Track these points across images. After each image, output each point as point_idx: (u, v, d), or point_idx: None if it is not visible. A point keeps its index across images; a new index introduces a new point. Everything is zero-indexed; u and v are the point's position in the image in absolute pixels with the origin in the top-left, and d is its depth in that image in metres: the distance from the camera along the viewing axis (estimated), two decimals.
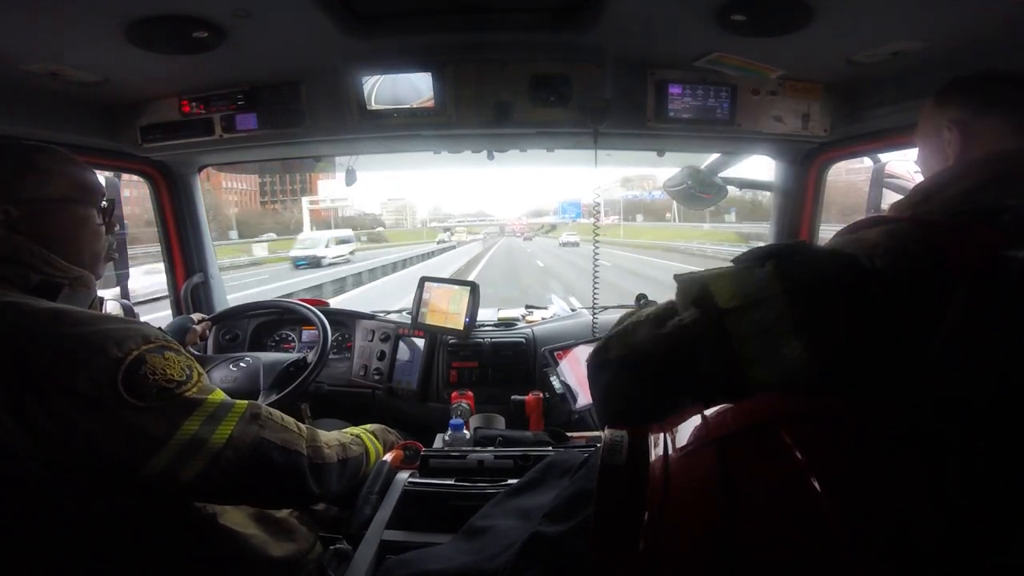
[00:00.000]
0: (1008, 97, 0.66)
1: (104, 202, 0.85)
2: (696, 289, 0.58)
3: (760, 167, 1.85)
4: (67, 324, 0.65)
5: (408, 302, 1.89)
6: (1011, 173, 0.60)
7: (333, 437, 0.92)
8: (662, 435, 0.48)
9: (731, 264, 0.59)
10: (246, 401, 0.77)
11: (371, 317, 1.89)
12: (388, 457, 1.01)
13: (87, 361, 0.63)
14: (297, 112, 1.35)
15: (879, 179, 1.42)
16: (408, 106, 1.29)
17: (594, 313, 1.70)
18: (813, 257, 0.54)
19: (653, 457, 0.46)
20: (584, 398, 1.42)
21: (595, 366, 0.66)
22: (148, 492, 0.68)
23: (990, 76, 0.71)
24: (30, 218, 0.74)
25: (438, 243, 44.83)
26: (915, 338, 0.51)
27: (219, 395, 0.74)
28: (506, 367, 1.68)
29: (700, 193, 1.77)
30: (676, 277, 0.65)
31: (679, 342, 0.56)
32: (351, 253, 24.01)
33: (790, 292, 0.51)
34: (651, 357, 0.59)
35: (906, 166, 1.37)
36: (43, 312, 0.66)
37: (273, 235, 37.19)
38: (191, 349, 1.50)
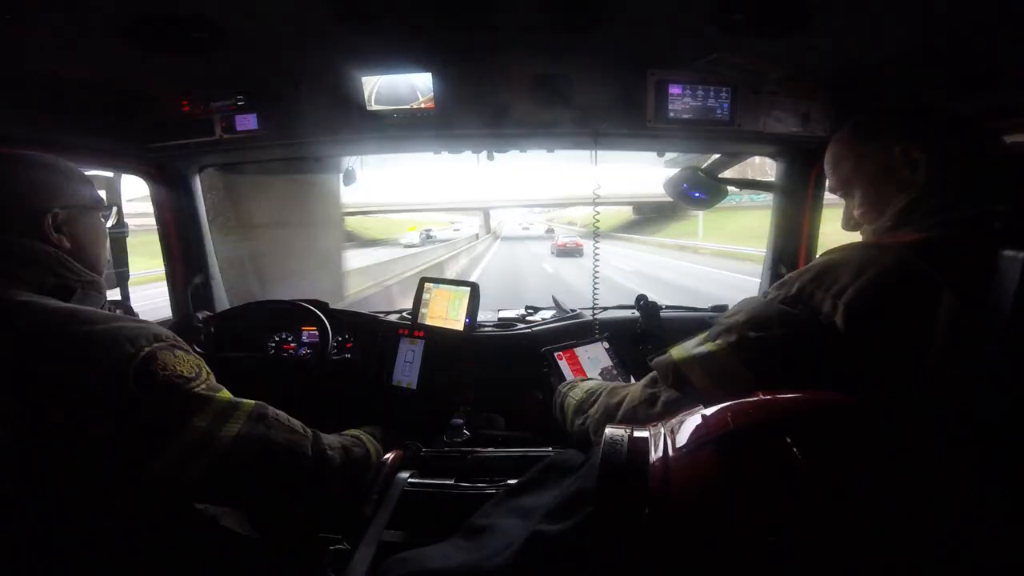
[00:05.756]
0: (943, 125, 0.72)
1: (113, 207, 0.90)
2: (671, 373, 0.73)
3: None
4: (81, 322, 0.67)
5: None
6: (978, 186, 0.65)
7: (335, 439, 0.92)
8: (662, 434, 0.48)
9: (695, 341, 0.74)
10: (253, 401, 0.78)
11: (371, 317, 1.89)
12: (388, 457, 1.01)
13: (100, 357, 0.65)
14: (297, 113, 1.35)
15: None
16: (408, 106, 1.29)
17: (594, 313, 1.70)
18: (761, 323, 0.66)
19: (653, 456, 0.46)
20: None
21: (597, 422, 0.87)
22: (153, 491, 0.68)
23: (918, 108, 0.77)
24: (69, 222, 0.78)
25: None
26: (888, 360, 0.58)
27: (227, 394, 0.75)
28: (506, 367, 1.68)
29: (700, 194, 1.77)
30: (651, 362, 0.81)
31: (667, 410, 0.74)
32: None
33: (748, 364, 0.66)
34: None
35: None
36: (57, 311, 0.68)
37: None
38: (193, 347, 1.50)
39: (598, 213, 1.64)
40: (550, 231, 48.00)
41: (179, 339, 0.74)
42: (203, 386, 0.72)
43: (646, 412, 0.80)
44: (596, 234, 1.67)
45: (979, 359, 0.52)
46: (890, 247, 0.62)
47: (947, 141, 0.71)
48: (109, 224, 0.90)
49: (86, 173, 0.86)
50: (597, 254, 1.64)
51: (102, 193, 0.89)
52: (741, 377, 0.67)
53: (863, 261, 0.62)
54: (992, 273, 0.53)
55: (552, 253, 23.76)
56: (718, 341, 0.71)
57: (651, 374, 0.83)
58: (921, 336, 0.56)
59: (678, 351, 0.76)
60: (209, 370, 0.76)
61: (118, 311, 1.03)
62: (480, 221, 48.67)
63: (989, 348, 0.50)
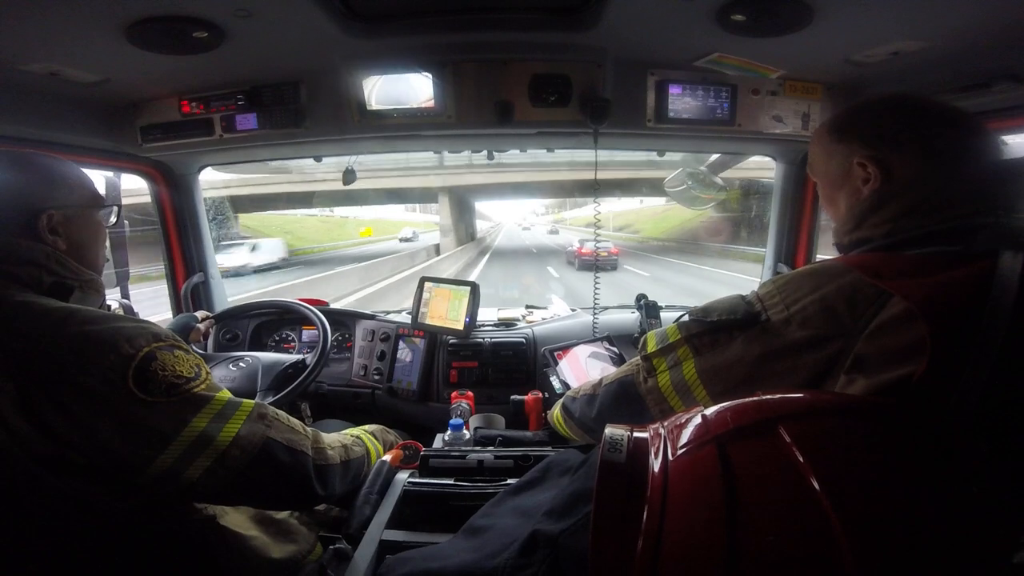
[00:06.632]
0: (917, 129, 0.69)
1: (113, 206, 0.90)
2: (641, 342, 0.83)
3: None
4: (80, 322, 0.67)
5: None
6: (929, 200, 0.63)
7: (335, 438, 0.93)
8: (662, 434, 0.48)
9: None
10: (253, 401, 0.78)
11: (371, 317, 1.89)
12: (388, 457, 1.02)
13: (99, 357, 0.64)
14: (297, 112, 1.35)
15: None
16: (408, 106, 1.29)
17: (594, 313, 1.71)
18: (712, 309, 0.74)
19: (653, 455, 0.46)
20: None
21: (589, 396, 0.96)
22: (154, 491, 0.68)
23: (891, 108, 0.73)
24: (65, 222, 0.77)
25: None
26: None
27: (226, 394, 0.75)
28: (506, 367, 1.68)
29: (700, 194, 1.77)
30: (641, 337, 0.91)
31: (627, 377, 0.86)
32: None
33: (686, 338, 0.75)
34: (612, 384, 0.90)
35: None
36: (56, 311, 0.68)
37: None
38: (193, 347, 1.50)
39: (599, 213, 1.64)
40: (554, 232, 42.82)
41: (179, 339, 0.74)
42: (203, 386, 0.72)
43: (616, 373, 0.91)
44: (596, 233, 1.68)
45: (972, 360, 0.52)
46: (850, 268, 0.63)
47: (913, 152, 0.67)
48: (110, 223, 0.89)
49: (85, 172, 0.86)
50: (599, 254, 1.64)
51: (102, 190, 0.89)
52: (675, 341, 0.76)
53: (825, 277, 0.64)
54: (947, 287, 0.54)
55: (571, 265, 16.36)
56: (672, 326, 0.79)
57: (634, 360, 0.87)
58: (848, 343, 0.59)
59: (651, 341, 0.83)
60: (208, 369, 0.76)
61: (119, 310, 1.04)
62: (444, 219, 22.65)
63: (989, 349, 0.50)
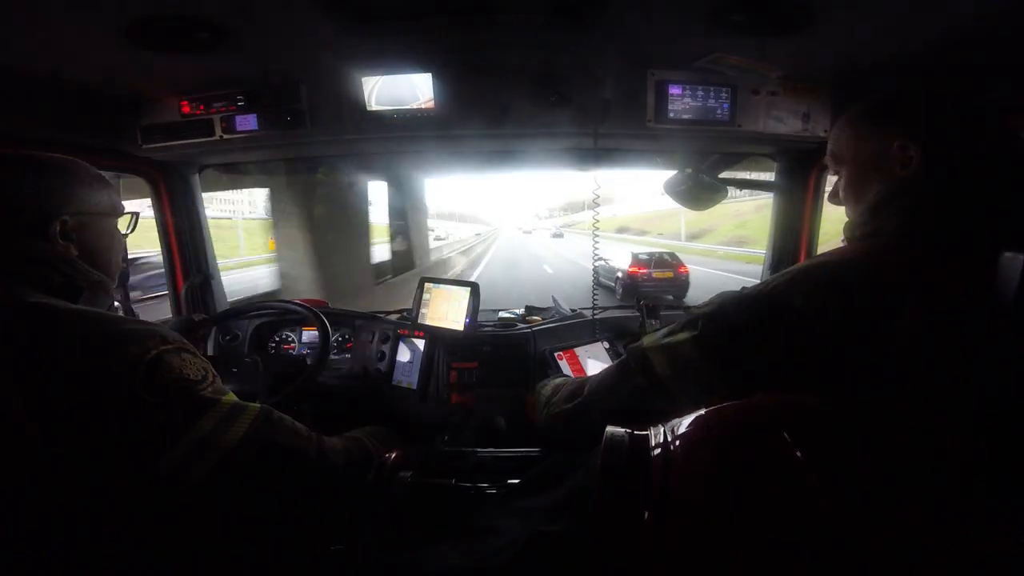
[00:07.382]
0: (949, 121, 0.69)
1: (129, 214, 0.91)
2: (640, 360, 0.76)
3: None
4: (88, 323, 0.67)
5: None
6: (947, 194, 0.63)
7: (337, 441, 0.93)
8: (663, 435, 0.48)
9: (665, 331, 0.76)
10: (258, 404, 0.78)
11: (371, 317, 1.89)
12: (388, 457, 1.01)
13: (107, 359, 0.65)
14: (297, 113, 1.35)
15: None
16: (408, 107, 1.29)
17: (594, 314, 1.70)
18: (727, 314, 0.69)
19: (654, 457, 0.46)
20: None
21: (572, 401, 0.90)
22: (157, 492, 0.69)
23: (928, 97, 0.73)
24: (79, 228, 0.78)
25: None
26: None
27: (232, 397, 0.75)
28: (506, 368, 1.68)
29: (700, 194, 1.77)
30: (626, 348, 0.84)
31: (625, 377, 0.80)
32: None
33: (710, 359, 0.68)
34: (602, 383, 0.85)
35: None
36: (65, 312, 0.68)
37: None
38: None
39: (598, 214, 1.64)
40: (558, 235, 40.49)
41: (186, 341, 0.74)
42: (209, 389, 0.72)
43: (610, 393, 0.85)
44: (595, 234, 1.68)
45: (973, 359, 0.52)
46: (866, 254, 0.63)
47: (949, 141, 0.68)
48: (127, 231, 0.90)
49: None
50: (597, 254, 1.64)
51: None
52: (701, 367, 0.70)
53: (834, 269, 0.63)
54: (965, 275, 0.54)
55: (610, 291, 9.84)
56: (682, 334, 0.73)
57: (621, 358, 0.85)
58: (881, 337, 0.57)
59: (648, 339, 0.79)
60: (215, 372, 0.76)
61: (121, 312, 1.04)
62: None
63: (989, 349, 0.51)
